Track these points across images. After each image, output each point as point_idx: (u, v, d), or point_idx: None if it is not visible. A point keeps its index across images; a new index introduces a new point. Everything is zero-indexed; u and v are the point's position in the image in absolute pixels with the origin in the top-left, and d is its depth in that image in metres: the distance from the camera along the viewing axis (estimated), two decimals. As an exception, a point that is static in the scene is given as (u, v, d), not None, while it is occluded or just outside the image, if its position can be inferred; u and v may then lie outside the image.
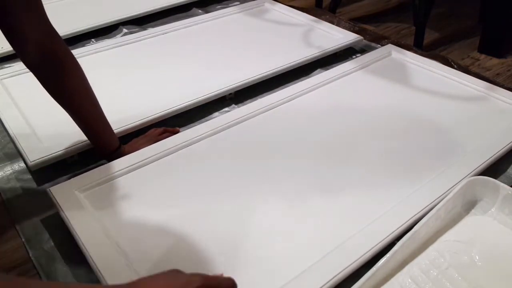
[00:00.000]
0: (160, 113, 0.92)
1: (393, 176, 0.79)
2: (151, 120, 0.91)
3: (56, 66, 0.72)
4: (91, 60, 1.12)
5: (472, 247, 0.66)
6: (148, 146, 0.84)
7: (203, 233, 0.69)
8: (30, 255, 0.69)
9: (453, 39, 1.66)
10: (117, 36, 1.29)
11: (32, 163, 0.80)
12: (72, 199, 0.73)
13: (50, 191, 0.75)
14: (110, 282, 0.60)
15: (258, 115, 0.94)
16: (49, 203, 0.76)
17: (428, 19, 1.55)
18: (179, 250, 0.67)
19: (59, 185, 0.76)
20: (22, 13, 0.66)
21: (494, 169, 0.81)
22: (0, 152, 0.89)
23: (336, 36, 1.24)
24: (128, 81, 1.06)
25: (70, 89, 0.75)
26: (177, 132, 0.90)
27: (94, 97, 0.77)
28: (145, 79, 1.06)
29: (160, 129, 0.90)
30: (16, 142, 0.85)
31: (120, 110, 0.92)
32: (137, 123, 0.90)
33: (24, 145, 0.84)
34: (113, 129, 0.83)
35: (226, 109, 1.00)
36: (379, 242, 0.65)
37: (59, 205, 0.72)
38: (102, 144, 0.81)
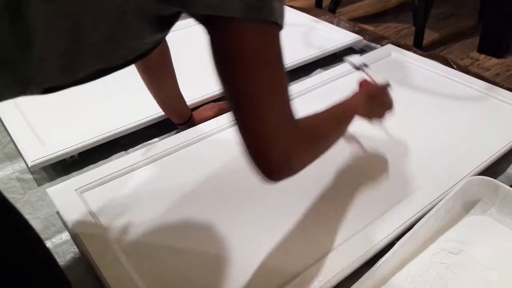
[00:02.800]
0: (160, 113, 0.92)
1: (393, 176, 0.79)
2: (151, 120, 0.92)
3: (162, 67, 0.82)
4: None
5: (472, 247, 0.66)
6: (148, 147, 0.85)
7: (203, 232, 0.69)
8: (30, 255, 0.69)
9: (452, 39, 1.66)
10: (117, 36, 1.29)
11: (32, 163, 0.80)
12: (72, 199, 0.73)
13: (50, 191, 0.75)
14: (110, 281, 0.61)
15: (258, 115, 0.94)
16: (49, 203, 0.76)
17: (428, 19, 1.55)
18: (179, 248, 0.67)
19: (59, 185, 0.77)
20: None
21: (493, 169, 0.81)
22: (1, 152, 0.89)
23: (336, 36, 1.24)
24: (128, 81, 1.05)
25: (163, 83, 0.84)
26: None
27: (175, 77, 0.85)
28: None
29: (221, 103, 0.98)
30: (16, 142, 0.85)
31: (120, 111, 0.92)
32: (138, 123, 0.90)
33: (24, 145, 0.84)
34: (116, 128, 0.87)
35: (226, 109, 1.00)
36: (379, 242, 0.65)
37: (59, 205, 0.72)
38: (179, 116, 0.91)
